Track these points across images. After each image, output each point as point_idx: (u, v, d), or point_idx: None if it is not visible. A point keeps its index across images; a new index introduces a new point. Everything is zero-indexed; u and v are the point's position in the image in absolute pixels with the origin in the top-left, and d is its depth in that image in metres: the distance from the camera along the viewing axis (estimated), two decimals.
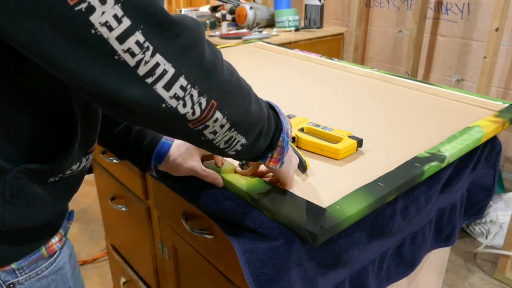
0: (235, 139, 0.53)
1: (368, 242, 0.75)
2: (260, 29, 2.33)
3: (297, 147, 0.84)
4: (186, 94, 0.44)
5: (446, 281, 1.75)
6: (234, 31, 2.31)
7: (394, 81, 1.22)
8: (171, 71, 0.42)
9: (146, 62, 0.40)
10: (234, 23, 2.44)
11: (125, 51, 0.39)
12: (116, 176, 1.18)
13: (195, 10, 2.73)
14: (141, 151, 0.76)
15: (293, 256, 0.63)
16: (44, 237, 0.59)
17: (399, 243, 0.87)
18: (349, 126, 0.93)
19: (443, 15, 2.24)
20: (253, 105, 0.53)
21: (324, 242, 0.65)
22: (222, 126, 0.49)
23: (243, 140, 0.54)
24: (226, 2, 2.51)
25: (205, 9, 2.77)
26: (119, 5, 0.38)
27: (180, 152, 0.74)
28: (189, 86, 0.43)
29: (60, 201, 0.60)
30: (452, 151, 0.81)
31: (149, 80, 0.41)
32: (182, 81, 0.43)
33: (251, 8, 2.34)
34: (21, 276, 0.57)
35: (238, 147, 0.54)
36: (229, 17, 2.49)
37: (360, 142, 0.83)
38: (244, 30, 2.32)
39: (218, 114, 0.48)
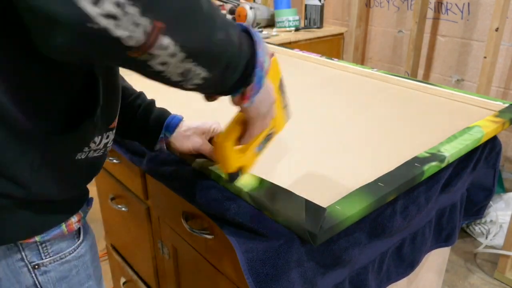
0: (193, 71, 0.44)
1: (368, 242, 0.75)
2: (260, 29, 2.33)
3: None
4: (122, 12, 0.35)
5: (446, 281, 1.75)
6: None
7: (394, 81, 1.21)
8: None
9: None
10: None
11: None
12: (116, 176, 1.18)
13: None
14: (150, 124, 0.77)
15: (293, 256, 0.63)
16: (64, 213, 0.61)
17: (399, 243, 0.87)
18: (349, 126, 0.93)
19: (443, 15, 2.24)
20: (218, 31, 0.44)
21: (324, 242, 0.65)
22: (173, 55, 0.40)
23: (204, 73, 0.45)
24: (226, 2, 2.51)
25: None
26: None
27: (190, 126, 0.77)
28: (127, 2, 0.35)
29: (83, 179, 0.62)
30: (452, 151, 0.81)
31: None
32: None
33: (251, 8, 2.34)
34: (45, 258, 0.60)
35: (198, 80, 0.46)
36: (229, 17, 2.49)
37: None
38: None
39: (166, 40, 0.39)
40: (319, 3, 2.38)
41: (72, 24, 0.35)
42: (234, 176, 0.64)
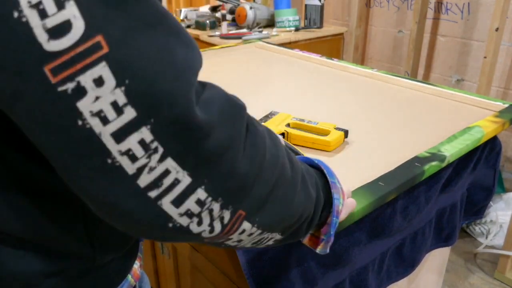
0: (267, 238, 0.40)
1: (368, 242, 0.75)
2: (260, 29, 2.33)
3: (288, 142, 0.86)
4: (204, 209, 0.32)
5: (446, 281, 1.75)
6: (234, 31, 2.31)
7: (394, 81, 1.21)
8: (185, 181, 0.30)
9: (152, 169, 0.29)
10: (234, 23, 2.44)
11: (122, 153, 0.28)
12: None
13: (195, 10, 2.73)
14: None
15: (293, 256, 0.63)
16: (128, 264, 0.53)
17: (399, 243, 0.87)
18: (349, 126, 0.93)
19: (443, 15, 2.24)
20: (297, 196, 0.40)
21: None
22: (250, 235, 0.37)
23: (278, 237, 0.42)
24: (226, 2, 2.51)
25: (205, 9, 2.77)
26: (122, 88, 0.27)
27: None
28: (209, 199, 0.32)
29: None
30: (452, 151, 0.81)
31: (153, 194, 0.30)
32: (200, 193, 0.31)
33: (251, 8, 2.34)
34: None
35: (270, 242, 0.42)
36: (229, 17, 2.49)
37: (346, 133, 0.86)
38: (244, 30, 2.32)
39: (246, 225, 0.36)
40: (319, 3, 2.38)
41: (150, 224, 0.31)
42: None
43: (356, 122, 0.96)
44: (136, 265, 0.55)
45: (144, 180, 0.29)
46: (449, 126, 0.93)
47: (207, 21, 2.39)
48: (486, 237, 1.96)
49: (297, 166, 0.41)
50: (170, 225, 0.32)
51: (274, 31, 2.29)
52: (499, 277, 1.77)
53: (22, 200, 0.37)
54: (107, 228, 0.43)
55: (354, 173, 0.75)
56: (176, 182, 0.30)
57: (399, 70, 2.51)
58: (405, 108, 1.04)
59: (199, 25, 2.41)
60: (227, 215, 0.33)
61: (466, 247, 1.96)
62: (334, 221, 0.48)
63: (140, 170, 0.29)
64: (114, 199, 0.30)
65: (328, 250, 0.51)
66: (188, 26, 2.49)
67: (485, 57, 1.87)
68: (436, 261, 1.14)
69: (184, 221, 0.32)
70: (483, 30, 2.08)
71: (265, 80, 1.24)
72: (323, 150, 0.82)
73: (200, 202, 0.31)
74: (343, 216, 0.52)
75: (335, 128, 0.86)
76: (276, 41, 2.05)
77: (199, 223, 0.32)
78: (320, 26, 2.39)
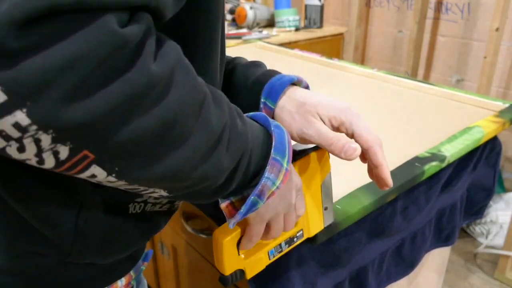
0: (147, 191, 0.36)
1: (368, 242, 0.75)
2: (260, 29, 2.33)
3: None
4: (26, 136, 0.27)
5: (446, 281, 1.75)
6: (234, 31, 2.31)
7: (394, 81, 1.21)
8: (1, 96, 0.25)
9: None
10: (234, 23, 2.44)
11: None
12: None
13: None
14: (248, 87, 0.58)
15: (293, 256, 0.63)
16: (108, 278, 0.49)
17: (399, 243, 0.87)
18: None
19: (443, 15, 2.24)
20: (192, 159, 0.34)
21: (324, 242, 0.65)
22: (111, 182, 0.33)
23: (164, 193, 0.37)
24: (226, 2, 2.51)
25: None
26: None
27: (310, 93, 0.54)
28: (34, 127, 0.26)
29: (137, 237, 0.48)
30: (452, 151, 0.81)
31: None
32: (19, 117, 0.26)
33: (251, 8, 2.34)
34: None
35: (155, 195, 0.37)
36: (229, 17, 2.49)
37: None
38: (244, 30, 2.32)
39: (97, 170, 0.31)
40: (319, 3, 2.38)
41: None
42: (228, 279, 0.52)
43: None
44: (121, 283, 0.50)
45: None
46: (449, 126, 0.93)
47: None
48: (486, 237, 1.96)
49: (215, 128, 0.35)
50: None
51: (274, 31, 2.29)
52: (499, 277, 1.77)
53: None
54: (97, 237, 0.43)
55: (354, 173, 0.75)
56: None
57: (399, 70, 2.51)
58: (405, 108, 1.04)
59: None
60: (64, 151, 0.28)
61: (466, 247, 1.96)
62: (251, 200, 0.41)
63: None
64: None
65: (231, 226, 0.44)
66: None
67: (485, 57, 1.87)
68: (436, 261, 1.14)
69: None
70: (483, 30, 2.08)
71: None
72: None
73: (19, 127, 0.26)
74: (275, 202, 0.45)
75: None
76: (276, 41, 2.05)
77: (20, 149, 0.28)
78: (320, 26, 2.39)
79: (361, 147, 0.50)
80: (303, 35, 2.24)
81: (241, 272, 0.52)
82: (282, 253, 0.55)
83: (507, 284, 1.74)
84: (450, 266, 1.83)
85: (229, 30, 2.35)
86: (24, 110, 0.25)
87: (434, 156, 0.79)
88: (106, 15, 0.26)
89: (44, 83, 0.25)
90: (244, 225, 0.48)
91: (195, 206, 0.76)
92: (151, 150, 0.31)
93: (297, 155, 0.51)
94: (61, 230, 0.41)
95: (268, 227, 0.48)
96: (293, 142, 0.48)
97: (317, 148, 0.53)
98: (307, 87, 0.58)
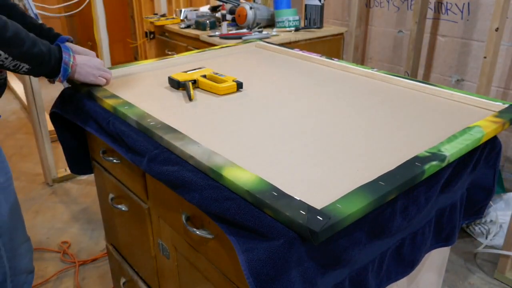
0: (20, 65, 0.93)
1: (368, 242, 0.75)
2: (260, 29, 2.33)
3: (197, 87, 1.17)
4: None
5: (446, 281, 1.75)
6: (234, 31, 2.31)
7: (394, 81, 1.22)
8: None
9: None
10: (234, 23, 2.44)
11: None
12: (116, 176, 1.18)
13: (195, 10, 2.73)
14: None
15: (293, 256, 0.63)
16: None
17: (399, 243, 0.87)
18: (349, 126, 0.93)
19: (443, 15, 2.24)
20: (33, 49, 0.93)
21: (324, 242, 0.65)
22: (6, 58, 0.89)
23: (27, 66, 0.95)
24: (226, 2, 2.51)
25: (205, 9, 2.77)
26: None
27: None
28: None
29: None
30: (452, 150, 0.81)
31: None
32: None
33: (251, 8, 2.34)
34: None
35: (25, 69, 0.95)
36: (229, 17, 2.49)
37: (240, 85, 1.14)
38: (244, 30, 2.32)
39: None
40: (319, 3, 2.38)
41: None
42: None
43: (356, 121, 0.96)
44: None
45: None
46: (449, 126, 0.93)
47: (207, 21, 2.39)
48: (486, 237, 1.96)
49: (32, 39, 0.94)
50: None
51: (274, 31, 2.29)
52: (499, 277, 1.77)
53: None
54: None
55: (354, 173, 0.75)
56: None
57: (399, 70, 2.51)
58: (405, 108, 1.04)
59: (199, 25, 2.41)
60: None
61: (466, 247, 1.96)
62: (63, 67, 1.03)
63: None
64: None
65: (63, 83, 1.09)
66: (188, 26, 2.49)
67: (485, 57, 1.87)
68: (436, 261, 1.14)
69: None
70: (483, 30, 2.08)
71: (264, 80, 1.24)
72: (216, 93, 1.12)
73: None
74: (78, 69, 1.08)
75: (233, 80, 1.14)
76: (276, 41, 2.05)
77: None
78: (320, 26, 2.39)
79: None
80: (303, 35, 2.24)
81: None
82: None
83: (507, 284, 1.74)
84: (450, 266, 1.83)
85: (229, 30, 2.35)
86: None
87: (434, 156, 0.79)
88: None
89: None
90: None
91: (195, 206, 0.76)
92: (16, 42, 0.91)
93: None
94: None
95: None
96: None
97: None
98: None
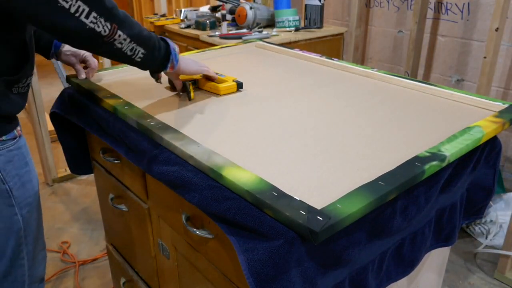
0: (136, 49, 0.89)
1: (368, 242, 0.75)
2: (260, 29, 2.33)
3: (197, 87, 1.17)
4: (97, 21, 0.79)
5: (446, 281, 1.75)
6: (234, 31, 2.31)
7: (394, 81, 1.22)
8: (85, 9, 0.77)
9: (73, 5, 0.76)
10: (234, 23, 2.44)
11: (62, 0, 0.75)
12: (116, 176, 1.18)
13: (195, 10, 2.73)
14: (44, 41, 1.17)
15: (293, 256, 0.63)
16: (14, 123, 0.97)
17: (399, 243, 0.87)
18: (349, 126, 0.93)
19: (443, 15, 2.24)
20: (143, 32, 0.89)
21: (324, 242, 0.65)
22: (125, 39, 0.85)
23: (143, 50, 0.90)
24: (226, 2, 2.51)
25: (205, 9, 2.77)
26: None
27: (70, 49, 1.20)
28: (99, 17, 0.79)
29: (19, 104, 0.96)
30: (452, 150, 0.81)
31: (77, 14, 0.77)
32: (93, 14, 0.78)
33: (251, 8, 2.34)
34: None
35: (141, 55, 0.90)
36: (229, 17, 2.49)
37: (240, 85, 1.15)
38: (244, 30, 2.32)
39: (119, 32, 0.84)
40: (319, 3, 2.38)
41: (80, 29, 0.80)
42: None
43: (356, 121, 0.96)
44: (19, 127, 0.99)
45: (72, 10, 0.76)
46: (449, 126, 0.93)
47: (207, 21, 2.39)
48: (486, 237, 1.96)
49: (142, 27, 0.90)
50: (87, 27, 0.78)
51: (274, 31, 2.29)
52: (499, 277, 1.77)
53: None
54: (5, 102, 0.91)
55: (354, 173, 0.75)
56: (83, 9, 0.77)
57: (399, 70, 2.51)
58: (405, 108, 1.04)
59: (199, 25, 2.41)
60: (108, 25, 0.81)
61: (466, 247, 1.96)
62: (173, 53, 0.99)
63: (69, 5, 0.76)
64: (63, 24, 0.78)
65: (174, 67, 1.01)
66: (188, 26, 2.49)
67: (485, 57, 1.87)
68: (436, 261, 1.14)
69: (92, 25, 0.79)
70: (483, 30, 2.08)
71: (264, 80, 1.24)
72: (216, 93, 1.14)
73: (95, 18, 0.79)
74: (181, 58, 1.03)
75: (233, 80, 1.15)
76: (276, 41, 2.05)
77: (98, 26, 0.80)
78: (320, 26, 2.39)
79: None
80: (303, 35, 2.24)
81: None
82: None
83: (507, 284, 1.74)
84: (450, 266, 1.83)
85: (229, 30, 2.35)
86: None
87: (434, 156, 0.79)
88: None
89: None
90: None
91: (195, 206, 0.76)
92: (131, 25, 0.89)
93: None
94: None
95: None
96: None
97: None
98: None
